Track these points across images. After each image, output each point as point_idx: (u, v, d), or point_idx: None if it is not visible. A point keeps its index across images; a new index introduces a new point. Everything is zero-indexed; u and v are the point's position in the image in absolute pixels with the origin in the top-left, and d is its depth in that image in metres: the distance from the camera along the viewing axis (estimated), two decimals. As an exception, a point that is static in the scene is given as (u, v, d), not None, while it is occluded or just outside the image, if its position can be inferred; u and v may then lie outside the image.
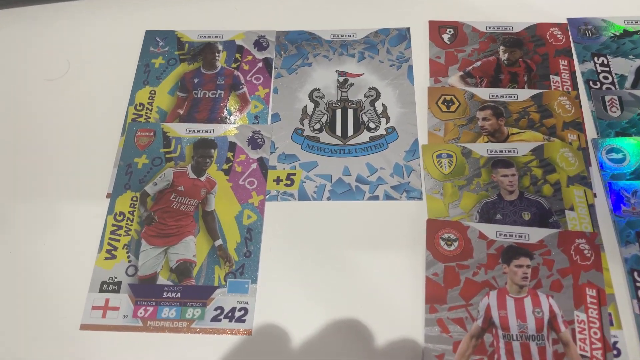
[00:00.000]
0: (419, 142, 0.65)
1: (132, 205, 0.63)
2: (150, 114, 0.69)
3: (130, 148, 0.66)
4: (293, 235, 0.61)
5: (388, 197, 0.62)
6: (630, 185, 0.60)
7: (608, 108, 0.66)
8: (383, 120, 0.67)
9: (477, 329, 0.55)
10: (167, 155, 0.66)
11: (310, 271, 0.59)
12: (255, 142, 0.66)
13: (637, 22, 0.72)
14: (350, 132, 0.67)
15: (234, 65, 0.72)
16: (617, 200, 0.60)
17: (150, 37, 0.76)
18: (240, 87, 0.70)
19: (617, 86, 0.67)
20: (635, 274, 0.56)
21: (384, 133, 0.66)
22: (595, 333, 0.54)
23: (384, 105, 0.68)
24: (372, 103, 0.69)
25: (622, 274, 0.57)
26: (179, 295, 0.58)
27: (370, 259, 0.59)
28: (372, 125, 0.67)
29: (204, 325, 0.56)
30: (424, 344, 0.54)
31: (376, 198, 0.62)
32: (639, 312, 0.54)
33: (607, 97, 0.66)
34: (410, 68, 0.71)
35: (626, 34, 0.71)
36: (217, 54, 0.73)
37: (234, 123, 0.68)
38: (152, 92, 0.70)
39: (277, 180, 0.64)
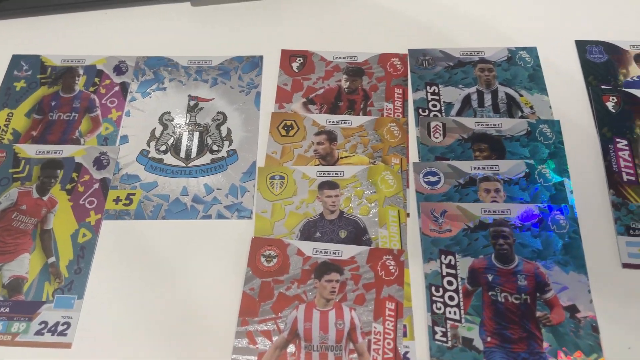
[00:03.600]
0: (257, 165, 0.70)
1: (-27, 224, 0.65)
2: (5, 135, 0.72)
3: (-19, 168, 0.69)
4: (125, 253, 0.64)
5: (220, 216, 0.66)
6: (440, 206, 0.65)
7: (432, 134, 0.71)
8: (226, 143, 0.71)
9: (282, 340, 0.58)
10: (14, 176, 0.69)
11: (137, 287, 0.62)
12: (100, 162, 0.69)
13: (471, 53, 0.78)
14: (194, 154, 0.71)
15: (91, 89, 0.76)
16: (427, 219, 0.65)
17: (16, 61, 0.79)
18: (94, 110, 0.74)
19: (443, 113, 0.73)
20: (433, 288, 0.61)
21: (226, 155, 0.70)
22: (388, 344, 0.58)
23: (229, 129, 0.73)
24: (218, 127, 0.73)
25: (422, 288, 0.61)
26: (7, 310, 0.60)
27: (195, 275, 0.63)
28: (215, 147, 0.71)
29: (27, 339, 0.59)
30: (232, 356, 0.58)
31: (209, 217, 0.66)
32: (432, 325, 0.59)
33: (432, 124, 0.72)
34: (258, 94, 0.75)
35: (460, 64, 0.77)
36: (76, 78, 0.76)
37: (83, 144, 0.71)
38: (10, 114, 0.73)
39: (117, 200, 0.67)
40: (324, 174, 0.68)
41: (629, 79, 0.74)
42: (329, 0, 0.85)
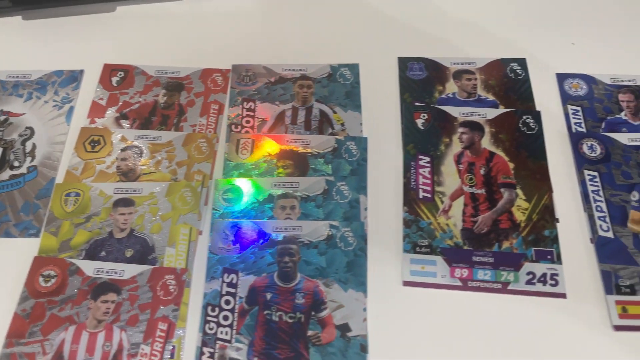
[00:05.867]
0: (55, 181, 0.68)
1: None
2: None
3: None
4: None
5: (8, 234, 0.64)
6: (233, 224, 0.65)
7: (240, 150, 0.70)
8: (29, 159, 0.70)
9: (44, 364, 0.57)
10: None
11: None
12: None
13: (293, 69, 0.77)
14: (-7, 170, 0.69)
15: None
16: (217, 237, 0.64)
17: None
18: None
19: (256, 130, 0.72)
20: (209, 308, 0.60)
21: (25, 172, 0.69)
22: (154, 365, 0.57)
23: (34, 145, 0.71)
24: (24, 142, 0.71)
25: (200, 308, 0.60)
26: None
27: (-30, 296, 0.61)
28: (16, 163, 0.69)
29: None
30: (-10, 380, 0.56)
31: (-5, 236, 0.64)
32: (201, 345, 0.58)
33: (242, 140, 0.71)
34: (72, 109, 0.74)
35: (281, 80, 0.77)
36: None
37: None
38: None
39: None
40: (122, 190, 0.67)
41: (443, 96, 0.75)
42: (159, 16, 0.84)
